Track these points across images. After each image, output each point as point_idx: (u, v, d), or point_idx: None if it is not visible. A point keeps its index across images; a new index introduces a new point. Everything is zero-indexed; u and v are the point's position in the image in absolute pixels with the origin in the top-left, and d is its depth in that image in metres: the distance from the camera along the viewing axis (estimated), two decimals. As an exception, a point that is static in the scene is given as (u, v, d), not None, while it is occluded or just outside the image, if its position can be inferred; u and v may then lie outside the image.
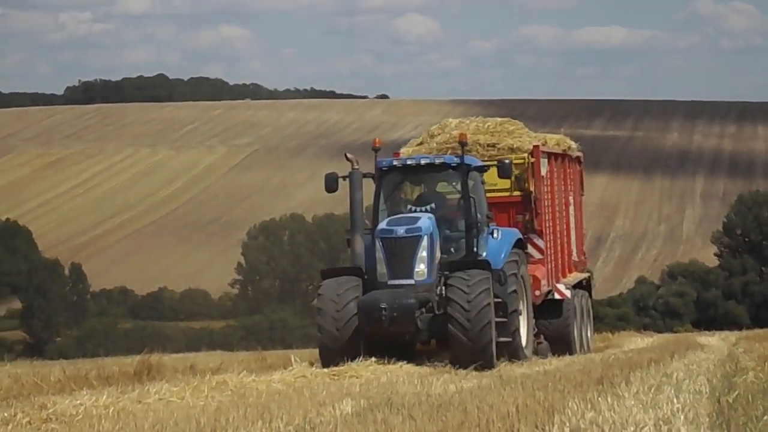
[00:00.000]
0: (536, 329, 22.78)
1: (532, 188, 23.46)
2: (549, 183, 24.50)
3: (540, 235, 23.62)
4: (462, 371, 18.22)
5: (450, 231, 20.72)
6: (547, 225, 24.14)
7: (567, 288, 24.40)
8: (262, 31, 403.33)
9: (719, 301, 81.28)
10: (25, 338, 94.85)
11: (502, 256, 20.70)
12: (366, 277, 19.93)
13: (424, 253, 19.70)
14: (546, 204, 24.15)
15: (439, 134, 24.17)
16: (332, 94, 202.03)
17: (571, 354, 23.50)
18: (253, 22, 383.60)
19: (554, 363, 19.83)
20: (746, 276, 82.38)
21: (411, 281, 19.67)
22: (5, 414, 11.41)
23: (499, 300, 20.07)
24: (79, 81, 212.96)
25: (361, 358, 18.93)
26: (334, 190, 20.81)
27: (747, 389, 11.10)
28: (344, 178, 20.72)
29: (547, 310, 23.71)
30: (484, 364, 18.88)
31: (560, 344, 23.68)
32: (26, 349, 77.78)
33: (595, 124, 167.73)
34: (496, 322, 19.77)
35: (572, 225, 26.56)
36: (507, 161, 21.30)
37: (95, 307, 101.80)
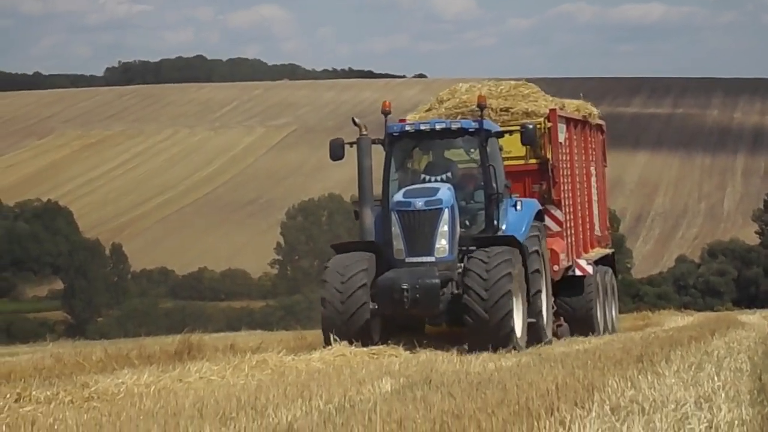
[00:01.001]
0: (555, 308, 21.15)
1: (549, 155, 21.74)
2: (568, 150, 22.83)
3: (558, 206, 21.94)
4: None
5: (466, 202, 19.12)
6: (566, 195, 22.52)
7: (589, 264, 22.84)
8: (300, 11, 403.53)
9: (760, 279, 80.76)
10: (67, 318, 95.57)
11: (523, 229, 19.20)
12: (379, 252, 18.46)
13: (446, 228, 18.17)
14: (564, 173, 22.50)
15: (449, 99, 22.38)
16: (370, 74, 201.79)
17: (594, 333, 22.08)
18: (290, 1, 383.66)
19: (593, 342, 19.74)
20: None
21: (431, 258, 18.14)
22: (48, 392, 11.53)
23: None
24: (119, 62, 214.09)
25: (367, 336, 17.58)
26: (340, 158, 19.25)
27: (788, 367, 11.03)
28: (351, 144, 19.27)
29: (568, 287, 22.22)
30: (501, 340, 17.39)
31: (582, 325, 22.20)
32: (68, 330, 78.36)
33: (635, 101, 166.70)
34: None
35: (594, 197, 24.98)
36: (531, 126, 19.59)
37: (136, 287, 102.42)
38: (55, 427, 9.15)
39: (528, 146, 20.77)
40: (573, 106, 23.96)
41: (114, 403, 11.19)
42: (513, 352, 17.12)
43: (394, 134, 19.26)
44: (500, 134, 19.62)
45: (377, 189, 19.42)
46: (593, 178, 24.91)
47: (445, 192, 18.39)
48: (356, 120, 19.42)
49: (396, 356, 16.24)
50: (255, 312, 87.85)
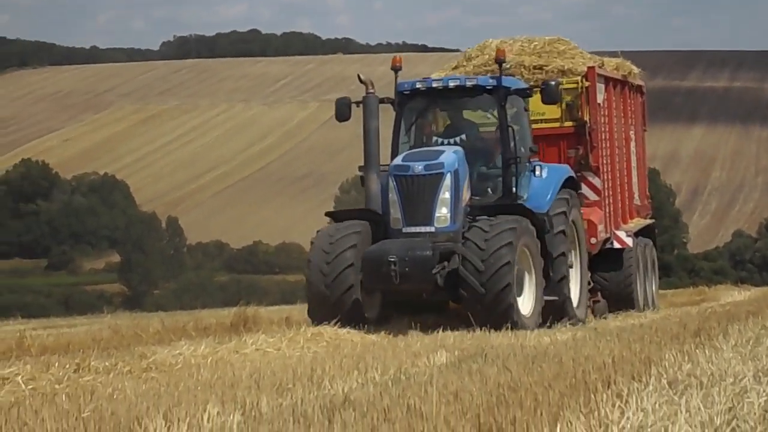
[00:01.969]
0: (591, 284, 19.58)
1: (586, 117, 19.97)
2: (607, 113, 21.11)
3: (596, 172, 20.17)
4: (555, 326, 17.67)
5: (487, 168, 17.49)
6: (605, 161, 20.76)
7: (628, 236, 21.10)
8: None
9: (818, 254, 79.93)
10: (124, 291, 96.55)
11: (548, 197, 17.54)
12: (377, 222, 16.82)
13: (447, 195, 16.43)
14: (603, 137, 20.78)
15: (478, 56, 20.66)
16: (423, 48, 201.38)
17: (634, 309, 20.69)
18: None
19: (648, 316, 19.61)
20: None
21: (430, 228, 16.41)
22: (107, 363, 11.66)
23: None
24: (174, 36, 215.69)
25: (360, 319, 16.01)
26: (347, 118, 17.65)
27: None
28: (358, 104, 17.53)
29: (605, 261, 20.60)
30: (500, 316, 15.73)
31: (621, 301, 20.72)
32: (125, 302, 79.16)
33: (691, 75, 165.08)
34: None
35: (633, 164, 23.09)
36: (553, 83, 17.71)
37: (191, 260, 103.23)
38: (114, 396, 9.26)
39: (559, 106, 19.45)
40: (612, 64, 22.25)
41: (172, 373, 11.29)
42: (567, 326, 16.38)
43: (405, 92, 17.69)
44: (522, 92, 17.74)
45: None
46: (632, 143, 23.08)
47: (450, 155, 16.67)
48: (362, 76, 17.80)
49: (450, 330, 16.04)
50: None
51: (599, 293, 20.44)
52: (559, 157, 19.82)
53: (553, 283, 17.05)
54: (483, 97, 17.50)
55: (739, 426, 6.58)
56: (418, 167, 16.51)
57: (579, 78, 20.12)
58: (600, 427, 6.70)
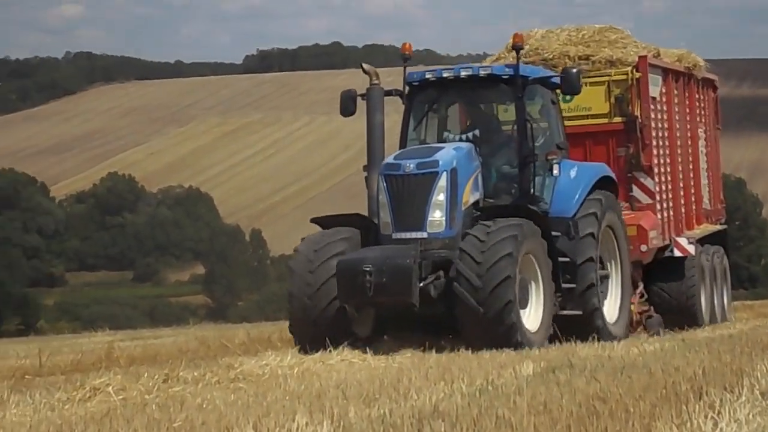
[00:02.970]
0: (644, 296, 18.19)
1: (637, 112, 18.32)
2: (665, 107, 19.36)
3: (649, 173, 18.42)
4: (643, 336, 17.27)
5: (510, 167, 15.72)
6: (662, 161, 18.98)
7: (690, 243, 19.16)
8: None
9: None
10: (208, 303, 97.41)
11: (575, 199, 15.77)
12: (369, 228, 15.21)
13: (441, 197, 14.66)
14: (660, 134, 19.04)
15: (531, 48, 19.05)
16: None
17: (697, 325, 18.80)
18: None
19: (738, 326, 19.27)
20: None
21: (422, 234, 14.63)
22: (195, 374, 11.76)
23: (567, 259, 15.28)
24: (257, 50, 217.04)
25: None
26: (352, 113, 16.13)
27: None
28: (363, 96, 16.09)
29: (664, 270, 18.88)
30: (501, 338, 13.97)
31: (682, 314, 18.86)
32: (209, 313, 79.87)
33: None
34: (564, 289, 15.11)
35: (703, 165, 21.19)
36: (574, 70, 15.97)
37: (275, 272, 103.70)
38: (204, 406, 9.34)
39: (602, 99, 17.97)
40: (673, 56, 20.34)
41: (259, 384, 11.37)
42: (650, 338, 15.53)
43: (415, 84, 16.08)
44: (545, 81, 16.05)
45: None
46: (701, 142, 21.16)
47: (448, 152, 14.91)
48: (365, 66, 16.21)
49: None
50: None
51: (652, 307, 18.62)
52: (608, 156, 18.29)
53: (576, 293, 15.29)
54: (499, 88, 15.80)
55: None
56: (410, 166, 14.79)
57: (629, 69, 18.46)
58: (693, 438, 6.62)
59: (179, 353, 16.91)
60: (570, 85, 15.88)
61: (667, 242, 18.98)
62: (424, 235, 14.68)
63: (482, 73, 15.77)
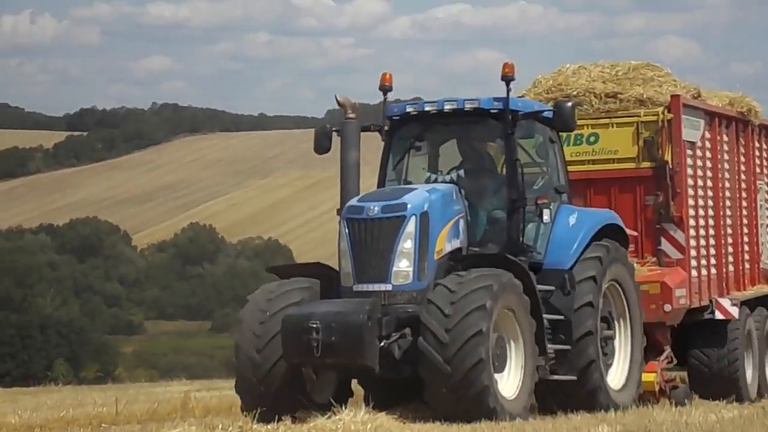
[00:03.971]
0: (672, 361, 16.63)
1: (667, 158, 16.66)
2: (708, 154, 17.73)
3: (679, 225, 16.71)
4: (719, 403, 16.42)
5: (502, 212, 14.11)
6: (700, 212, 17.33)
7: (734, 304, 17.37)
8: (518, 55, 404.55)
9: None
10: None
11: (573, 249, 14.18)
12: (331, 279, 13.74)
13: (409, 244, 13.05)
14: (698, 182, 17.40)
15: (546, 81, 17.53)
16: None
17: (740, 400, 16.89)
18: (509, 46, 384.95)
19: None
20: None
21: (386, 286, 13.02)
22: (268, 426, 11.78)
23: (561, 317, 13.77)
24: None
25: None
26: (326, 150, 14.67)
27: None
28: (338, 131, 14.42)
29: (703, 335, 17.25)
30: (470, 404, 12.35)
31: (723, 384, 17.10)
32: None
33: None
34: (557, 351, 13.68)
35: (763, 220, 19.48)
36: (569, 103, 14.34)
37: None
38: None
39: (629, 143, 16.53)
40: (723, 98, 18.63)
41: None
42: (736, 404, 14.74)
43: (395, 118, 14.50)
44: (539, 116, 14.41)
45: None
46: (761, 195, 19.46)
47: (419, 194, 13.36)
48: (339, 98, 14.27)
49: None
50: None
51: (678, 376, 16.99)
52: (635, 205, 16.80)
53: (572, 357, 13.82)
54: (487, 123, 14.15)
55: None
56: (374, 209, 13.23)
57: (660, 109, 16.85)
58: None
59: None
60: (562, 121, 14.25)
61: (704, 303, 17.26)
62: (389, 287, 13.05)
63: (468, 106, 14.13)
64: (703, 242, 17.42)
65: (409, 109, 14.39)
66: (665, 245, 16.74)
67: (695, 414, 13.74)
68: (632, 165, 16.85)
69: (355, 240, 13.28)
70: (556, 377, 13.73)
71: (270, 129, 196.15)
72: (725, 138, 18.43)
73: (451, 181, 14.09)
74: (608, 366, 14.59)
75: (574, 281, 13.88)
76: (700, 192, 17.52)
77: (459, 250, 13.71)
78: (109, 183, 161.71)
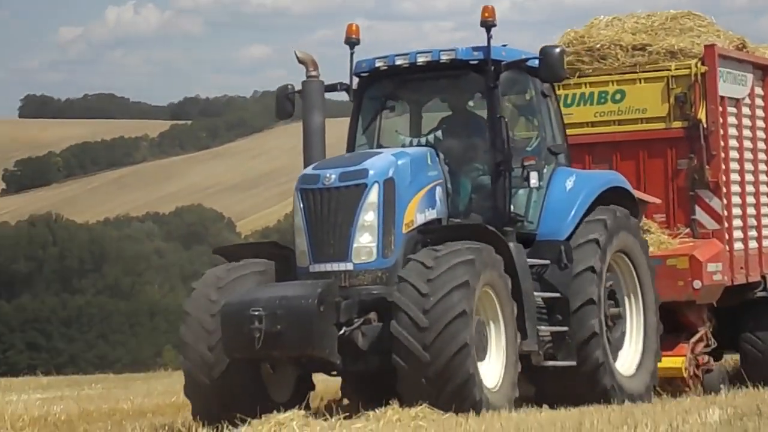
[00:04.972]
0: (711, 344, 14.74)
1: (701, 116, 14.68)
2: (749, 111, 15.53)
3: (715, 191, 14.74)
4: None
5: (487, 177, 12.26)
6: (738, 178, 15.27)
7: None
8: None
9: None
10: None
11: (569, 218, 12.30)
12: (286, 259, 11.78)
13: (371, 216, 11.22)
14: (741, 144, 15.33)
15: (573, 35, 15.53)
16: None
17: None
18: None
19: None
20: None
21: (346, 265, 11.20)
22: (376, 411, 11.84)
23: (557, 295, 12.01)
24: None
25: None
26: (289, 114, 12.63)
27: None
28: (299, 92, 12.42)
29: (756, 315, 15.37)
30: (453, 396, 10.55)
31: None
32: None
33: None
34: (554, 334, 11.96)
35: None
36: (556, 50, 12.13)
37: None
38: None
39: (658, 100, 14.75)
40: None
41: (440, 422, 11.39)
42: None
43: (363, 75, 12.53)
44: (522, 65, 12.39)
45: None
46: None
47: (383, 159, 11.52)
48: (299, 54, 12.33)
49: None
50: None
51: (711, 359, 14.96)
52: (666, 170, 14.93)
53: (571, 346, 12.02)
54: (468, 77, 12.22)
55: None
56: (331, 177, 11.33)
57: (693, 62, 14.76)
58: None
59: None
60: (549, 69, 12.18)
61: (754, 279, 15.38)
62: (349, 266, 11.21)
63: (444, 57, 12.14)
64: (749, 212, 15.44)
65: (378, 63, 12.39)
66: (700, 214, 14.80)
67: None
68: (662, 125, 14.89)
69: (311, 213, 11.37)
70: (552, 363, 12.00)
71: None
72: None
73: (428, 144, 12.30)
74: (616, 350, 12.68)
75: (571, 253, 12.08)
76: (747, 155, 15.49)
77: (438, 221, 11.96)
78: (212, 171, 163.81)
